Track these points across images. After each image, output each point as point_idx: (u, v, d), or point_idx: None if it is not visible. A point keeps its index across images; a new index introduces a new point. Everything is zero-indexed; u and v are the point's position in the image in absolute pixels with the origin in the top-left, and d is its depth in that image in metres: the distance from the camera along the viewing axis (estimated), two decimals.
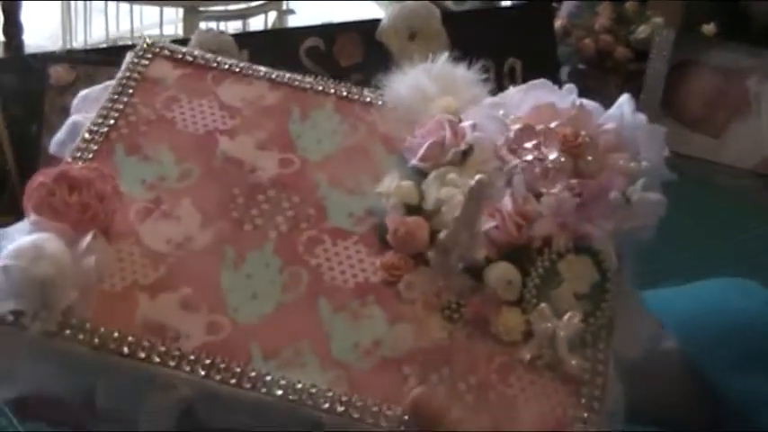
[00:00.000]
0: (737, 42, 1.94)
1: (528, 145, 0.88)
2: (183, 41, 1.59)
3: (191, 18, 3.23)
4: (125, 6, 3.59)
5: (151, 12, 3.69)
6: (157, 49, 1.00)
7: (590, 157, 0.87)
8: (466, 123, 0.92)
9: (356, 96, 1.00)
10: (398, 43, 1.74)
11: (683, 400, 1.01)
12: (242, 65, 1.01)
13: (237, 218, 0.88)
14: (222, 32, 1.64)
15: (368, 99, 1.00)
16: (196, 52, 1.01)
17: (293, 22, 3.62)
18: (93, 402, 0.79)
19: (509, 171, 0.87)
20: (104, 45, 3.28)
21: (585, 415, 0.78)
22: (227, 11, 3.48)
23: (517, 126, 0.90)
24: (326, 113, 0.98)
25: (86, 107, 0.96)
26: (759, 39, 1.95)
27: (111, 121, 0.94)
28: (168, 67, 0.99)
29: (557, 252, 0.83)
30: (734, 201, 1.72)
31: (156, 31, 3.72)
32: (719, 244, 1.53)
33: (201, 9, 3.29)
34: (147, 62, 0.99)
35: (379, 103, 0.99)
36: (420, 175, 0.90)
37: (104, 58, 1.54)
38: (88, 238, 0.79)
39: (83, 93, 0.97)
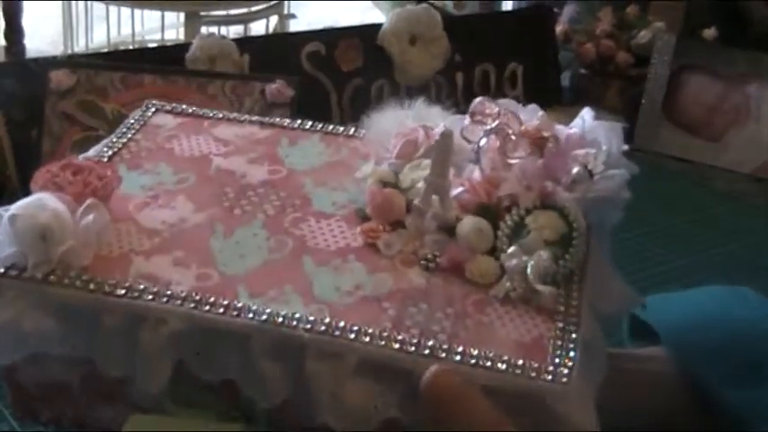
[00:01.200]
0: (738, 48, 1.95)
1: (489, 111, 0.94)
2: (185, 46, 1.59)
3: (192, 23, 3.24)
4: (126, 11, 3.61)
5: (152, 17, 3.70)
6: (159, 106, 1.09)
7: (554, 149, 0.90)
8: (437, 129, 0.95)
9: (341, 131, 1.07)
10: (399, 48, 1.75)
11: (675, 409, 1.01)
12: (234, 115, 1.10)
13: (228, 206, 0.93)
14: (223, 37, 1.64)
15: (351, 132, 1.06)
16: (194, 108, 1.10)
17: (294, 26, 3.63)
18: (93, 378, 0.84)
19: (474, 146, 0.92)
20: (106, 50, 3.29)
21: (561, 336, 0.79)
22: (228, 16, 3.50)
23: (477, 100, 0.96)
24: (313, 142, 1.05)
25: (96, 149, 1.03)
26: (759, 44, 1.95)
27: (115, 150, 1.01)
28: (169, 118, 1.08)
29: (524, 208, 0.87)
30: (733, 205, 1.72)
31: (158, 36, 3.73)
32: (718, 248, 1.53)
33: (203, 14, 3.30)
34: (150, 114, 1.08)
35: (362, 135, 1.05)
36: (396, 172, 0.95)
37: (105, 63, 1.54)
38: (88, 201, 0.85)
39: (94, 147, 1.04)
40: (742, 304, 1.07)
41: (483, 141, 0.91)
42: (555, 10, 2.13)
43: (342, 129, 1.07)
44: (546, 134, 0.90)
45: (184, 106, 1.10)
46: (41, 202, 0.83)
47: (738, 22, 2.06)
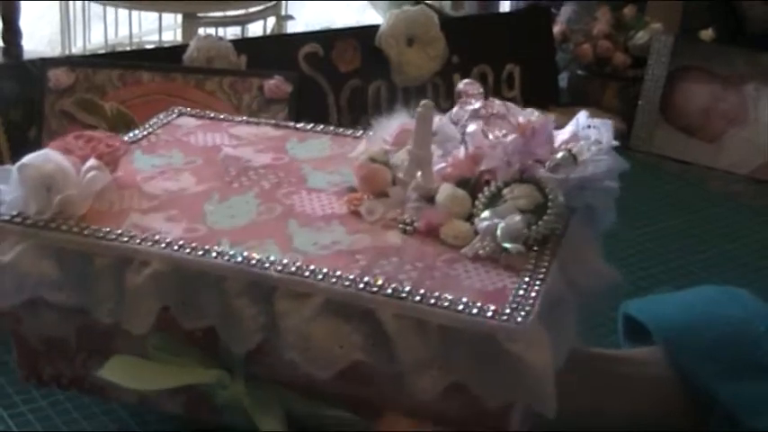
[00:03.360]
0: (735, 48, 1.95)
1: (474, 91, 0.98)
2: (182, 47, 1.59)
3: (189, 24, 3.23)
4: (124, 12, 3.60)
5: (150, 18, 3.70)
6: (185, 112, 1.17)
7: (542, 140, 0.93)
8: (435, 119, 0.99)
9: (349, 133, 1.13)
10: (397, 49, 1.75)
11: (668, 406, 1.01)
12: (254, 119, 1.17)
13: (228, 181, 1.00)
14: (221, 38, 1.64)
15: (358, 135, 1.12)
16: (215, 114, 1.18)
17: (292, 27, 3.62)
18: (87, 331, 0.91)
19: (461, 128, 0.96)
20: (103, 51, 3.29)
21: (523, 291, 0.81)
22: (225, 17, 3.49)
23: (464, 81, 1.00)
24: (321, 141, 1.11)
25: None
26: (757, 45, 1.95)
27: (134, 141, 1.08)
28: (192, 120, 1.16)
29: (503, 181, 0.91)
30: (730, 206, 1.72)
31: (155, 37, 3.73)
32: (715, 250, 1.53)
33: (200, 15, 3.29)
34: (173, 116, 1.16)
35: (368, 136, 1.08)
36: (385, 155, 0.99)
37: (104, 61, 1.55)
38: (92, 160, 0.93)
39: None
40: (736, 304, 1.07)
41: (469, 124, 0.95)
42: (552, 11, 2.13)
43: (351, 131, 1.13)
44: (537, 126, 0.93)
45: (207, 112, 1.18)
46: (48, 155, 0.91)
47: (736, 23, 2.06)
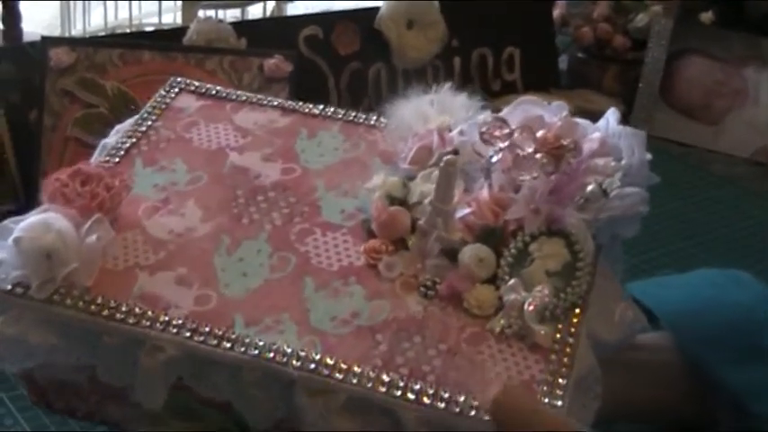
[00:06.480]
0: (735, 31, 1.94)
1: (499, 134, 0.89)
2: (182, 30, 1.59)
3: (189, 7, 3.23)
4: None
5: (149, 1, 3.69)
6: (184, 85, 1.10)
7: (572, 160, 0.87)
8: (454, 132, 0.95)
9: (362, 120, 1.06)
10: (397, 32, 1.75)
11: (674, 391, 1.01)
12: (259, 97, 1.09)
13: (237, 213, 0.93)
14: (221, 21, 1.64)
15: (372, 122, 1.05)
16: (218, 88, 1.10)
17: (292, 10, 3.62)
18: (98, 380, 0.85)
19: (486, 162, 0.89)
20: (103, 34, 3.28)
21: (551, 379, 0.79)
22: None
23: (490, 118, 0.91)
24: (332, 134, 1.04)
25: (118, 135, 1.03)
26: (757, 27, 1.95)
27: (134, 140, 1.01)
28: (192, 99, 1.08)
29: (530, 234, 0.85)
30: (731, 189, 1.72)
31: (155, 20, 3.73)
32: (716, 232, 1.53)
33: None
34: (173, 95, 1.08)
35: (383, 125, 1.04)
36: (409, 178, 0.93)
37: (105, 40, 1.54)
38: (94, 217, 0.85)
39: (117, 126, 1.05)
40: (739, 288, 1.07)
41: (494, 158, 0.89)
42: None
43: (363, 118, 1.06)
44: (565, 142, 0.88)
45: (209, 86, 1.10)
46: (46, 222, 0.84)
47: (735, 6, 2.06)
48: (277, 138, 1.03)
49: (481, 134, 0.90)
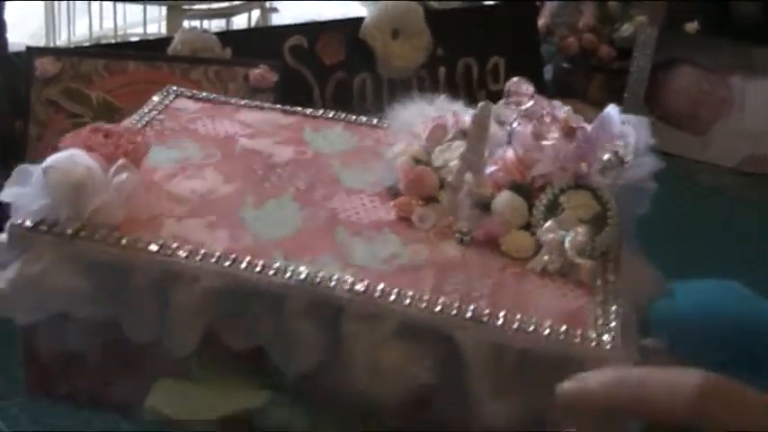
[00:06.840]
0: (721, 40, 1.95)
1: (524, 91, 0.94)
2: (167, 40, 1.59)
3: (174, 16, 3.22)
4: (108, 5, 3.58)
5: (134, 10, 3.68)
6: (180, 92, 1.09)
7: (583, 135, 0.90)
8: (466, 115, 0.96)
9: (364, 120, 1.06)
10: (382, 41, 1.75)
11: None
12: (256, 102, 1.09)
13: (258, 179, 0.93)
14: (205, 31, 1.64)
15: (374, 122, 1.06)
16: (214, 94, 1.10)
17: (276, 20, 3.61)
18: (115, 346, 0.82)
19: (510, 128, 0.92)
20: (88, 44, 3.28)
21: (601, 311, 0.78)
22: (210, 9, 3.47)
23: (513, 80, 0.96)
24: (337, 132, 1.04)
25: None
26: (742, 36, 1.95)
27: (139, 126, 0.99)
28: (190, 103, 1.07)
29: (559, 187, 0.87)
30: (718, 199, 1.72)
31: (140, 30, 3.72)
32: (703, 242, 1.53)
33: (185, 7, 3.28)
34: (169, 100, 1.07)
35: (385, 126, 1.04)
36: (426, 154, 0.94)
37: (90, 50, 1.54)
38: (120, 161, 0.83)
39: None
40: (733, 298, 1.07)
41: (516, 123, 0.91)
42: (537, 3, 2.13)
43: (365, 119, 1.07)
44: (574, 125, 0.90)
45: (204, 93, 1.10)
46: (74, 158, 0.81)
47: (720, 15, 2.06)
48: (283, 130, 1.03)
49: (506, 93, 0.95)
